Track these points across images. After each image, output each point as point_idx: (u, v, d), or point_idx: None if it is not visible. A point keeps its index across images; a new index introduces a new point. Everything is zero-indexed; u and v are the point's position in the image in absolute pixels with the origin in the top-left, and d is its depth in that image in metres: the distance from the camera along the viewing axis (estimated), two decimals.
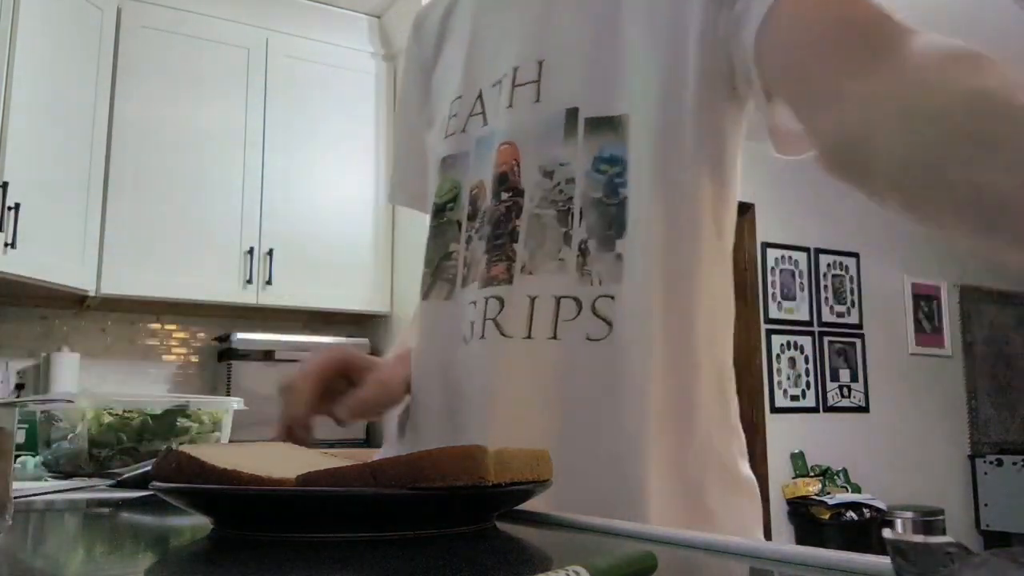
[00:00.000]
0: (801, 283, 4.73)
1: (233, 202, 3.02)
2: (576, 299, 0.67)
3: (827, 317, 4.78)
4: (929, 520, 4.48)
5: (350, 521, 0.43)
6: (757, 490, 0.72)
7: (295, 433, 0.73)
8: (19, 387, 2.91)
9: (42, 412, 1.07)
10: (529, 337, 0.68)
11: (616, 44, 0.70)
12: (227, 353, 2.97)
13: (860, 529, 4.19)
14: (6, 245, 2.47)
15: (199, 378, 3.22)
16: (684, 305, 0.68)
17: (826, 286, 4.81)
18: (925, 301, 5.15)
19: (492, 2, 0.82)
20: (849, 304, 4.88)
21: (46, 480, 0.98)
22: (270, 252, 3.04)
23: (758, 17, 0.61)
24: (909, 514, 4.48)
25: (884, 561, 0.31)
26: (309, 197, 3.14)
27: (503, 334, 0.69)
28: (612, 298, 0.67)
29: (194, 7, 3.06)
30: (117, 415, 1.02)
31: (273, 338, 3.02)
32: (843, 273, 4.88)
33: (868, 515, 4.23)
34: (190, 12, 3.05)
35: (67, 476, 1.00)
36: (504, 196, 0.72)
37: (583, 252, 0.68)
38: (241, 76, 3.10)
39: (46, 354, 2.92)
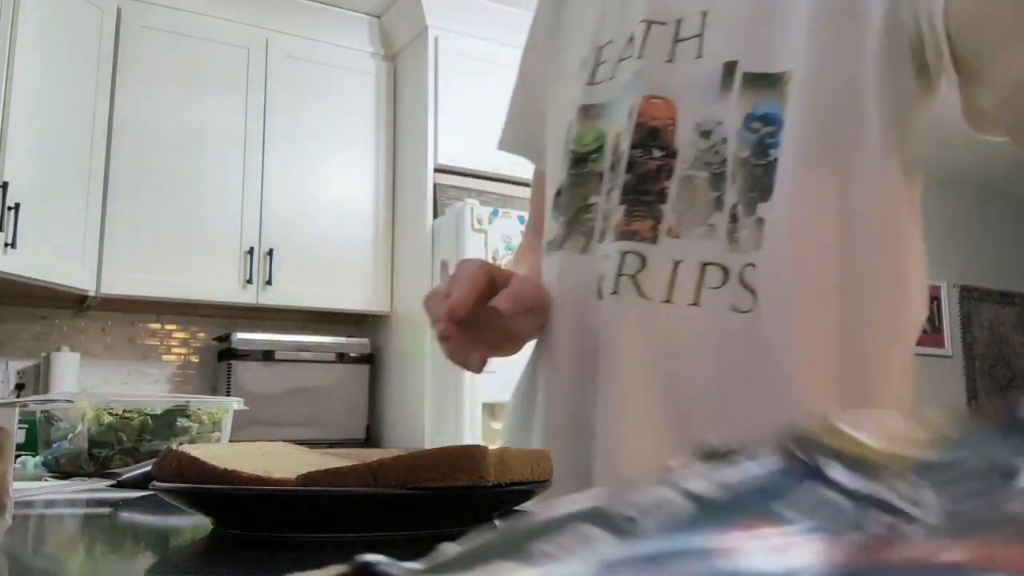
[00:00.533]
0: None
1: (233, 202, 3.02)
2: (723, 267, 0.63)
3: None
4: None
5: (350, 521, 0.43)
6: None
7: (449, 331, 0.66)
8: (19, 387, 2.91)
9: (42, 412, 1.07)
10: (669, 301, 0.65)
11: None
12: (227, 353, 2.98)
13: None
14: (6, 245, 2.47)
15: (199, 378, 3.22)
16: (864, 289, 0.63)
17: None
18: None
19: None
20: None
21: (46, 480, 0.98)
22: (270, 252, 3.04)
23: None
24: None
25: None
26: (309, 197, 3.14)
27: (641, 295, 0.65)
28: (754, 266, 0.62)
29: (194, 7, 3.06)
30: (117, 415, 1.02)
31: (273, 338, 3.02)
32: None
33: None
34: (190, 12, 3.05)
35: (67, 476, 1.00)
36: (656, 153, 0.68)
37: (734, 218, 0.64)
38: (241, 76, 3.10)
39: (46, 354, 2.92)
